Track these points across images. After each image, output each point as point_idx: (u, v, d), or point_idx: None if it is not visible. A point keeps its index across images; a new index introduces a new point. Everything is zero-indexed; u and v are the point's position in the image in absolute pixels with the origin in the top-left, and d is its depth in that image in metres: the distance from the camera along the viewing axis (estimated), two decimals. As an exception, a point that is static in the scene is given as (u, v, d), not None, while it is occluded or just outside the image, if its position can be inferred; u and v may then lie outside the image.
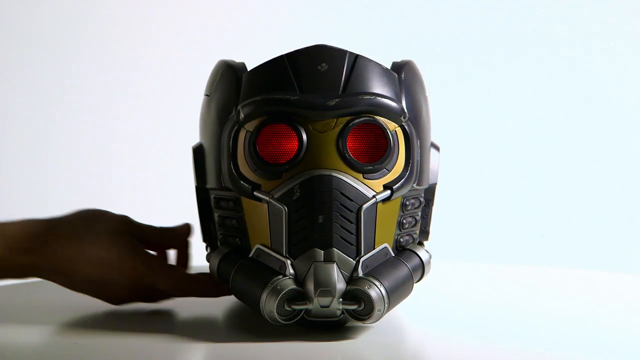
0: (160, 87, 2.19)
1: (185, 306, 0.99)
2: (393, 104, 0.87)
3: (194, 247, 1.02)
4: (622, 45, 2.20)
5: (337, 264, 0.84)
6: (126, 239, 0.93)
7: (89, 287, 0.94)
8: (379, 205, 0.86)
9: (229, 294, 0.93)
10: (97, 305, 0.97)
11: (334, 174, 0.85)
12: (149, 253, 0.95)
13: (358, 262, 0.84)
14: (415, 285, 0.89)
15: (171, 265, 0.97)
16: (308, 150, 0.85)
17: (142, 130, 2.20)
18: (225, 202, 0.90)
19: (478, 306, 1.03)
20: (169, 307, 0.98)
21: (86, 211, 0.95)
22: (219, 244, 0.93)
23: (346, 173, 0.85)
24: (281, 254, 0.85)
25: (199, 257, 1.03)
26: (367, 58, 0.88)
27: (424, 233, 0.95)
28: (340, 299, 0.83)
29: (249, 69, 0.90)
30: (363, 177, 0.86)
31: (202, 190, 0.94)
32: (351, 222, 0.85)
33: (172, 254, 1.02)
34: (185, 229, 1.00)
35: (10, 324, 0.92)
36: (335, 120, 0.86)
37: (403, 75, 0.90)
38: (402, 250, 0.90)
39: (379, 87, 0.87)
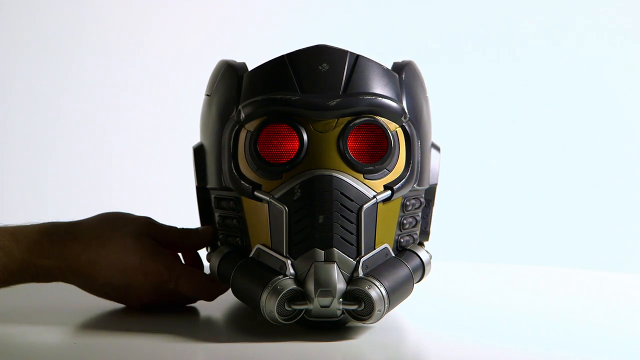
0: (161, 87, 2.19)
1: (185, 306, 0.99)
2: (394, 104, 0.87)
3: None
4: (625, 45, 2.20)
5: (337, 264, 0.84)
6: (148, 242, 0.92)
7: (112, 291, 0.93)
8: (380, 205, 0.86)
9: None
10: (97, 306, 0.97)
11: (334, 174, 0.85)
12: (170, 256, 0.94)
13: (358, 262, 0.84)
14: (415, 285, 0.89)
15: (193, 269, 0.95)
16: (309, 151, 0.85)
17: (143, 130, 2.20)
18: (225, 202, 0.90)
19: (478, 306, 1.03)
20: (169, 307, 0.98)
21: (108, 214, 0.95)
22: (219, 243, 0.93)
23: (347, 173, 0.85)
24: (281, 254, 0.85)
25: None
26: (367, 58, 0.88)
27: (425, 233, 0.95)
28: (341, 299, 0.83)
29: (249, 68, 0.90)
30: (364, 177, 0.86)
31: (202, 190, 0.94)
32: (351, 222, 0.85)
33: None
34: (208, 232, 0.97)
35: (10, 324, 0.92)
36: (336, 120, 0.86)
37: (404, 75, 0.90)
38: (403, 251, 0.90)
39: (379, 87, 0.88)
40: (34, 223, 0.93)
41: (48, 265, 0.91)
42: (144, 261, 0.91)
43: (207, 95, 0.94)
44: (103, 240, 0.92)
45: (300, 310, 0.84)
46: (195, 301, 0.98)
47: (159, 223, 0.96)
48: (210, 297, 0.95)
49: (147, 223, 0.94)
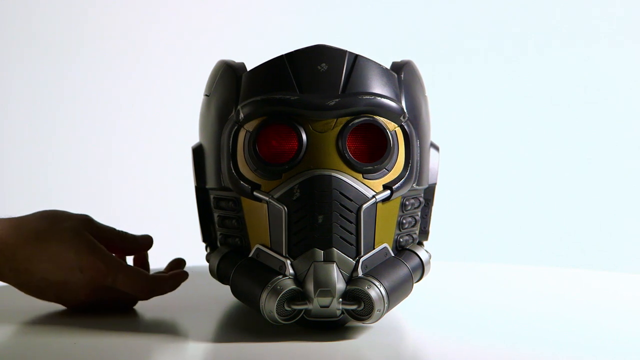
0: (160, 87, 2.19)
1: (186, 306, 0.99)
2: (393, 104, 0.87)
3: (195, 247, 1.02)
4: (625, 44, 2.20)
5: (337, 264, 0.83)
6: (86, 238, 0.92)
7: (47, 288, 0.92)
8: (379, 205, 0.86)
9: (184, 279, 0.96)
10: (96, 306, 0.96)
11: (333, 174, 0.85)
12: (108, 252, 0.94)
13: (358, 262, 0.84)
14: (415, 285, 0.89)
15: (131, 266, 0.95)
16: (308, 150, 0.85)
17: (142, 130, 2.20)
18: (225, 202, 0.90)
19: (478, 306, 1.03)
20: (169, 307, 0.98)
21: (46, 211, 0.94)
22: (218, 244, 0.93)
23: (346, 173, 0.85)
24: (281, 254, 0.85)
25: (199, 257, 1.03)
26: (366, 58, 0.88)
27: (424, 233, 0.95)
28: (340, 299, 0.83)
29: (248, 69, 0.90)
30: (363, 177, 0.86)
31: (201, 191, 0.94)
32: (351, 222, 0.85)
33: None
34: (147, 241, 0.99)
35: (10, 324, 0.92)
36: (335, 120, 0.86)
37: (403, 75, 0.90)
38: (402, 250, 0.90)
39: (378, 87, 0.87)
40: None
41: None
42: (80, 255, 0.91)
43: (206, 95, 0.94)
44: (41, 235, 0.91)
45: (300, 310, 0.84)
46: (134, 302, 0.97)
47: (97, 222, 0.95)
48: (148, 295, 0.95)
49: (86, 220, 0.94)
